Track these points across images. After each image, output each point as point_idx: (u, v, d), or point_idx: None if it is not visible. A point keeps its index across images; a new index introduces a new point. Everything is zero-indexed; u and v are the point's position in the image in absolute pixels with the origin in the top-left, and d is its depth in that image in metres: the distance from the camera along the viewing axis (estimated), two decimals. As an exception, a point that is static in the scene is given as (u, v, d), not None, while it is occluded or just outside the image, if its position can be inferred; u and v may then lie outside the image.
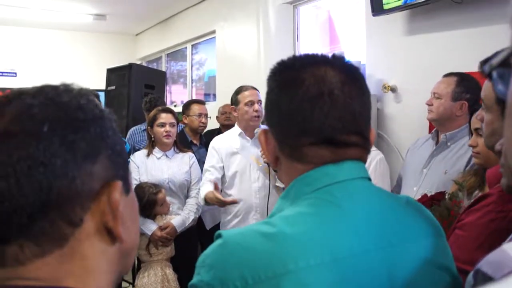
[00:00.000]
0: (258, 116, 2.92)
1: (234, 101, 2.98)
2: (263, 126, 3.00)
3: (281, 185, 2.94)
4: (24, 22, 6.62)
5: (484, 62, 1.05)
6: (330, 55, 0.85)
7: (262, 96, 3.13)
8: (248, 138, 2.97)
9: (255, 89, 2.99)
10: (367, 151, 0.83)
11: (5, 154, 0.50)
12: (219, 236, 0.76)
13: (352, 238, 0.73)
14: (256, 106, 2.90)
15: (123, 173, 0.59)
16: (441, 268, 0.81)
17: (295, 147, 0.80)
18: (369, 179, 0.83)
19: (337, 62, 0.82)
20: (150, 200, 2.95)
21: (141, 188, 2.94)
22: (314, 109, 0.77)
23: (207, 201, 2.84)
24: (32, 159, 0.50)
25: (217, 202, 2.78)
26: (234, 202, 2.81)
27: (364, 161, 0.83)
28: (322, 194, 0.77)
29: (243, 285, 0.69)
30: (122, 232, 0.56)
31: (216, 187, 2.80)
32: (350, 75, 0.81)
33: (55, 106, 0.54)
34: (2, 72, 6.84)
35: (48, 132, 0.51)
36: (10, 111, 0.52)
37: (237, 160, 2.94)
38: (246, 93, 2.94)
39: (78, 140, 0.53)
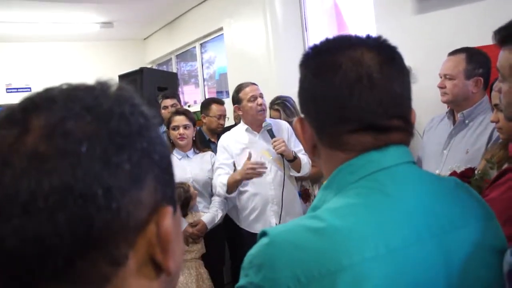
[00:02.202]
0: (263, 110, 2.95)
1: (237, 100, 3.00)
2: (269, 120, 3.01)
3: (295, 174, 2.95)
4: (34, 37, 6.69)
5: (498, 32, 1.03)
6: (364, 35, 0.80)
7: (269, 88, 3.13)
8: (255, 133, 3.00)
9: (255, 84, 3.01)
10: (410, 134, 0.79)
11: (34, 183, 0.39)
12: (264, 234, 0.72)
13: (405, 227, 0.70)
14: (260, 100, 2.93)
15: (171, 192, 0.49)
16: (495, 251, 0.78)
17: (334, 135, 0.77)
18: (415, 163, 0.79)
19: (373, 43, 0.78)
20: (186, 199, 2.98)
21: None
22: (353, 94, 0.73)
23: (230, 186, 2.88)
24: (68, 189, 0.40)
25: (250, 170, 2.78)
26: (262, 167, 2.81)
27: (408, 144, 0.79)
28: (369, 182, 0.74)
29: (296, 285, 0.65)
30: (171, 264, 0.47)
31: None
32: (387, 56, 0.77)
33: (93, 118, 0.43)
34: (17, 88, 6.93)
35: (87, 154, 0.41)
36: (38, 125, 0.41)
37: (248, 155, 2.96)
38: (247, 89, 2.95)
39: (122, 162, 0.43)
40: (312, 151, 0.83)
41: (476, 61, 2.23)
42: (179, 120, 3.18)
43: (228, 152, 3.02)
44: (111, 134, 0.43)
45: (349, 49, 0.76)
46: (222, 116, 3.90)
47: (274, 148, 2.82)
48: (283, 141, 2.82)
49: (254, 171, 2.78)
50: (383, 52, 0.76)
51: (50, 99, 0.44)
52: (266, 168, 2.82)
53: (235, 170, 2.99)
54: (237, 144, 3.01)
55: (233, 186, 2.90)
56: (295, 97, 0.86)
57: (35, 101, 0.44)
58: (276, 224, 2.90)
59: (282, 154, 2.84)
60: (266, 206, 2.95)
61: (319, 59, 0.79)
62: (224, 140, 3.09)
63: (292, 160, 2.88)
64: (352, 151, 0.76)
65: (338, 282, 0.65)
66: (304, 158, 2.95)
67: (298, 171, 2.95)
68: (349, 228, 0.68)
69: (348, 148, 0.76)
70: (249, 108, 2.93)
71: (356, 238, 0.68)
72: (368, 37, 0.79)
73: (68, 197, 0.40)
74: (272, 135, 2.86)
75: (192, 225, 3.00)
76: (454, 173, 1.79)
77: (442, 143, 2.35)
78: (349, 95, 0.74)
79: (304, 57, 0.82)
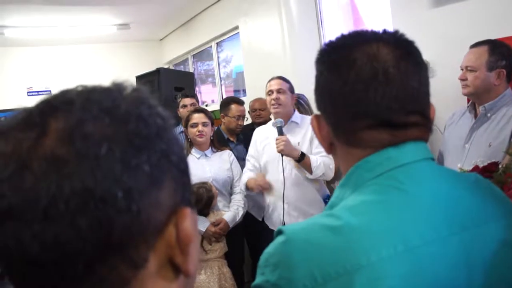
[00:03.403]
0: (280, 104, 2.91)
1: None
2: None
3: (310, 176, 2.88)
4: (53, 41, 6.80)
5: None
6: (380, 30, 0.79)
7: (294, 85, 3.12)
8: None
9: (280, 78, 3.00)
10: (429, 130, 0.78)
11: (54, 186, 0.39)
12: (280, 232, 0.71)
13: (423, 225, 0.68)
14: (274, 95, 2.91)
15: (188, 194, 0.49)
16: None
17: (350, 132, 0.76)
18: (433, 159, 0.77)
19: (389, 38, 0.76)
20: (209, 198, 3.01)
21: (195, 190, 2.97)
22: (368, 90, 0.72)
23: (248, 187, 3.01)
24: (89, 192, 0.39)
25: (256, 185, 2.94)
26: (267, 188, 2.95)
27: (426, 140, 0.77)
28: (386, 180, 0.72)
29: (312, 284, 0.65)
30: (190, 266, 0.46)
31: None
32: (404, 51, 0.75)
33: (111, 120, 0.43)
34: (38, 91, 7.04)
35: (107, 156, 0.40)
36: (56, 127, 0.41)
37: (269, 150, 2.99)
38: (271, 82, 3.00)
39: (142, 164, 0.42)
40: (329, 148, 0.82)
41: (499, 53, 2.19)
42: (198, 117, 3.20)
43: (256, 144, 3.11)
44: (129, 136, 0.42)
45: (365, 45, 0.75)
46: (241, 116, 3.90)
47: (277, 146, 2.82)
48: (284, 141, 2.78)
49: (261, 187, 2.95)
50: (399, 47, 0.75)
51: (67, 101, 0.43)
52: (270, 189, 2.96)
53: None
54: (264, 138, 3.07)
55: (250, 187, 3.04)
56: (311, 94, 0.85)
57: (53, 103, 0.43)
58: (285, 223, 2.88)
59: (282, 154, 2.83)
60: (277, 203, 2.97)
61: (335, 55, 0.78)
62: (256, 132, 3.20)
63: (298, 160, 2.85)
64: (369, 148, 0.75)
65: (355, 281, 0.64)
66: (318, 159, 2.87)
67: (310, 172, 2.87)
68: (366, 226, 0.67)
69: (365, 145, 0.75)
70: (267, 102, 3.01)
71: (373, 236, 0.67)
72: (385, 32, 0.78)
73: (89, 201, 0.39)
74: (280, 133, 2.85)
75: (214, 224, 3.02)
76: (476, 168, 1.75)
77: (464, 137, 2.32)
78: (365, 90, 0.73)
79: (320, 53, 0.81)
